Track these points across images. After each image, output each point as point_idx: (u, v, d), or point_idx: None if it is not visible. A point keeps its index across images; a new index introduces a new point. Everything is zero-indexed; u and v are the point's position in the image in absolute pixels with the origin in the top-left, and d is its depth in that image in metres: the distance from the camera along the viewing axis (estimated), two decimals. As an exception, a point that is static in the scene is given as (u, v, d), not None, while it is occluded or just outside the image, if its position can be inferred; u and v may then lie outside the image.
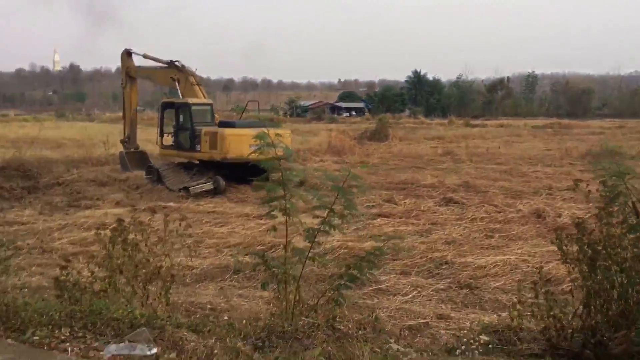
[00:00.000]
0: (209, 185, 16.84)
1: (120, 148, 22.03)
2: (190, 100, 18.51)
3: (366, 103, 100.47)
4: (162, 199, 16.05)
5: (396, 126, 46.09)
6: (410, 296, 8.15)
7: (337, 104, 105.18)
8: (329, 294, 4.71)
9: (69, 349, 4.34)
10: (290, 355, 3.85)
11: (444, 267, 9.24)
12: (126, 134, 21.91)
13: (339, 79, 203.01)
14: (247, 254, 6.23)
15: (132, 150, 21.65)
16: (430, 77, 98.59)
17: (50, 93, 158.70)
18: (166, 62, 20.12)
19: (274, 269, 4.78)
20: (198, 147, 17.68)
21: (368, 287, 8.26)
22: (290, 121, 66.06)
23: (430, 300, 7.99)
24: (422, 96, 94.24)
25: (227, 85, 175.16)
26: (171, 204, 15.30)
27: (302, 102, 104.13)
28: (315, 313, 4.52)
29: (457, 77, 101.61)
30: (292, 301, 4.68)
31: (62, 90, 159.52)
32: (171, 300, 6.52)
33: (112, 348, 4.24)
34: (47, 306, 4.94)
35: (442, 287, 8.46)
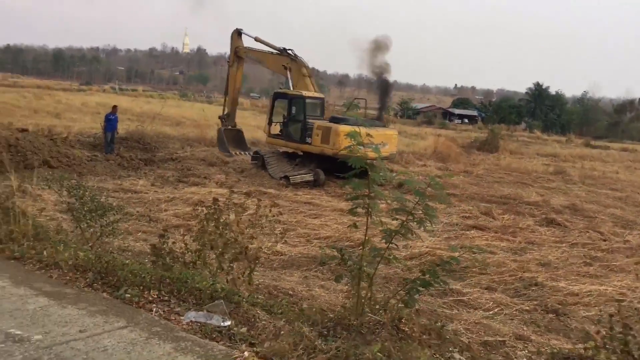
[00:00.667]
0: (309, 177, 17.23)
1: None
2: (305, 93, 18.92)
3: (479, 111, 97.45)
4: (264, 184, 16.65)
5: (509, 138, 44.40)
6: (491, 312, 7.95)
7: (450, 109, 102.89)
8: (400, 296, 4.77)
9: (154, 309, 4.76)
10: (350, 347, 3.97)
11: (532, 288, 8.90)
12: (225, 112, 22.66)
13: (455, 85, 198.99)
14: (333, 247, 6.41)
15: (230, 127, 22.56)
16: (552, 91, 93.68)
17: (177, 73, 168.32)
18: (278, 49, 20.53)
19: (349, 264, 4.91)
20: (309, 140, 18.00)
21: (449, 297, 8.19)
22: (399, 122, 65.65)
23: (512, 319, 7.75)
24: (541, 110, 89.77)
25: (342, 81, 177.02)
26: (271, 190, 15.83)
27: (415, 105, 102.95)
28: (384, 312, 4.60)
29: (583, 94, 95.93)
30: (364, 297, 4.79)
31: (188, 72, 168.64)
32: (255, 281, 6.87)
33: (191, 315, 4.60)
34: (142, 269, 5.42)
35: (527, 308, 8.17)
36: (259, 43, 21.38)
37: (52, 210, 9.67)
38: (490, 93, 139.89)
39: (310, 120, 18.22)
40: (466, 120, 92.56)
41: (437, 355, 4.15)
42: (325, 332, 4.34)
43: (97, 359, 3.78)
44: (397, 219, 4.67)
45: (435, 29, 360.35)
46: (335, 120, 18.22)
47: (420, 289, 4.66)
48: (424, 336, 4.37)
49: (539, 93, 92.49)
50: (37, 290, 4.99)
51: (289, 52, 20.13)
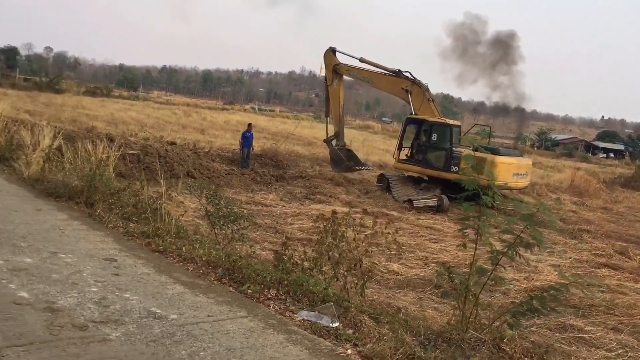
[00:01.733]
0: (432, 202, 17.21)
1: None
2: (449, 121, 18.88)
3: (627, 146, 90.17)
4: (387, 206, 16.89)
5: (659, 176, 40.78)
6: (614, 354, 7.57)
7: (594, 142, 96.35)
8: (505, 318, 4.85)
9: (272, 305, 5.28)
10: (448, 358, 4.16)
11: (665, 333, 8.31)
12: (332, 133, 22.08)
13: (602, 116, 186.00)
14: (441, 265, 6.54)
15: (340, 147, 21.94)
16: None
17: (313, 95, 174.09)
18: (392, 71, 20.16)
19: (455, 283, 5.08)
20: (454, 168, 17.68)
21: (570, 333, 7.92)
22: (536, 153, 62.77)
23: (637, 363, 7.34)
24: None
25: (477, 108, 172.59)
26: (394, 212, 16.04)
27: (554, 136, 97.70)
28: (487, 331, 4.71)
29: None
30: (469, 316, 4.92)
31: (323, 94, 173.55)
32: (369, 297, 7.18)
33: (304, 313, 5.04)
34: (264, 270, 5.98)
35: (656, 354, 7.67)
36: (363, 64, 21.01)
37: (191, 216, 10.71)
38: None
39: (456, 149, 17.98)
40: (612, 155, 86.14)
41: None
42: (427, 343, 4.55)
43: (220, 339, 4.32)
44: (504, 242, 4.78)
45: (578, 58, 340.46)
46: (487, 150, 17.88)
47: (527, 312, 4.71)
48: (525, 359, 4.43)
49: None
50: (175, 279, 5.72)
51: (405, 74, 19.63)
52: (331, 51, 21.85)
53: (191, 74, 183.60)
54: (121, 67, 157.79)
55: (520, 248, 4.67)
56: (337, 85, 21.75)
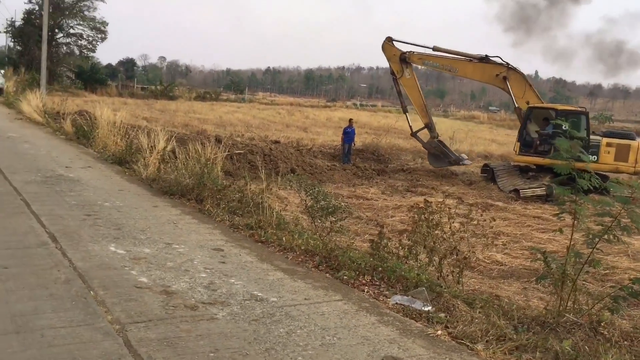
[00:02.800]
0: (541, 191, 16.60)
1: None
2: (585, 109, 18.16)
3: None
4: (492, 197, 16.53)
5: None
6: None
7: None
8: (606, 302, 4.73)
9: (366, 290, 5.49)
10: (540, 340, 4.15)
11: None
12: (425, 123, 20.40)
13: None
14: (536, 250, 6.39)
15: (435, 139, 20.34)
16: None
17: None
18: (478, 57, 18.80)
19: (552, 267, 5.02)
20: (594, 158, 16.87)
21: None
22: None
23: None
24: None
25: (593, 92, 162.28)
26: (499, 203, 15.67)
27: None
28: (586, 314, 4.63)
29: None
30: (567, 300, 4.85)
31: (426, 87, 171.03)
32: (471, 287, 7.18)
33: (397, 298, 5.20)
34: (359, 257, 6.21)
35: None
36: (437, 52, 19.49)
37: (293, 210, 11.16)
38: None
39: (595, 137, 17.33)
40: None
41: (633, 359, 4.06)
42: (520, 326, 4.55)
43: (316, 319, 4.60)
44: (600, 225, 4.66)
45: None
46: (616, 135, 17.51)
47: (627, 297, 4.57)
48: (625, 342, 4.30)
49: None
50: (276, 266, 6.09)
51: (494, 59, 18.40)
52: (389, 41, 20.08)
53: (294, 74, 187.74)
54: (228, 72, 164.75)
55: (618, 231, 4.54)
56: (410, 75, 20.03)
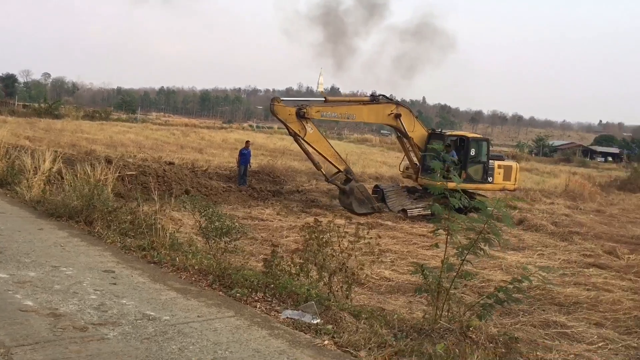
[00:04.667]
0: (425, 210, 17.58)
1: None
2: (487, 137, 20.08)
3: (624, 149, 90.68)
4: (382, 217, 17.25)
5: (656, 178, 41.11)
6: (595, 346, 7.89)
7: (592, 147, 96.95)
8: (475, 310, 5.25)
9: (258, 306, 5.69)
10: (416, 345, 4.55)
11: (646, 326, 8.63)
12: (343, 169, 18.54)
13: (600, 121, 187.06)
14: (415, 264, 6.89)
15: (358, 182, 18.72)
16: None
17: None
18: (367, 99, 18.52)
19: (429, 280, 5.49)
20: (490, 179, 18.77)
21: (552, 329, 8.24)
22: (534, 160, 63.28)
23: (616, 354, 7.66)
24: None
25: (475, 118, 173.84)
26: (388, 222, 16.41)
27: (552, 142, 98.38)
28: (457, 321, 5.11)
29: None
30: (442, 309, 5.32)
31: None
32: (360, 302, 7.54)
33: (288, 312, 5.45)
34: (252, 275, 6.41)
35: (634, 345, 8.01)
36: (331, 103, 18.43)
37: (188, 232, 11.11)
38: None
39: (491, 161, 19.03)
40: (610, 159, 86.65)
41: (497, 360, 4.57)
42: (399, 334, 4.95)
43: (209, 335, 4.74)
44: (469, 239, 5.20)
45: (578, 61, 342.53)
46: (493, 157, 19.45)
47: (493, 304, 5.11)
48: (490, 344, 4.81)
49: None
50: (169, 286, 6.14)
51: (382, 97, 18.39)
52: (278, 102, 17.54)
53: (189, 95, 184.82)
54: (119, 90, 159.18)
55: (481, 243, 5.09)
56: (313, 129, 17.75)
